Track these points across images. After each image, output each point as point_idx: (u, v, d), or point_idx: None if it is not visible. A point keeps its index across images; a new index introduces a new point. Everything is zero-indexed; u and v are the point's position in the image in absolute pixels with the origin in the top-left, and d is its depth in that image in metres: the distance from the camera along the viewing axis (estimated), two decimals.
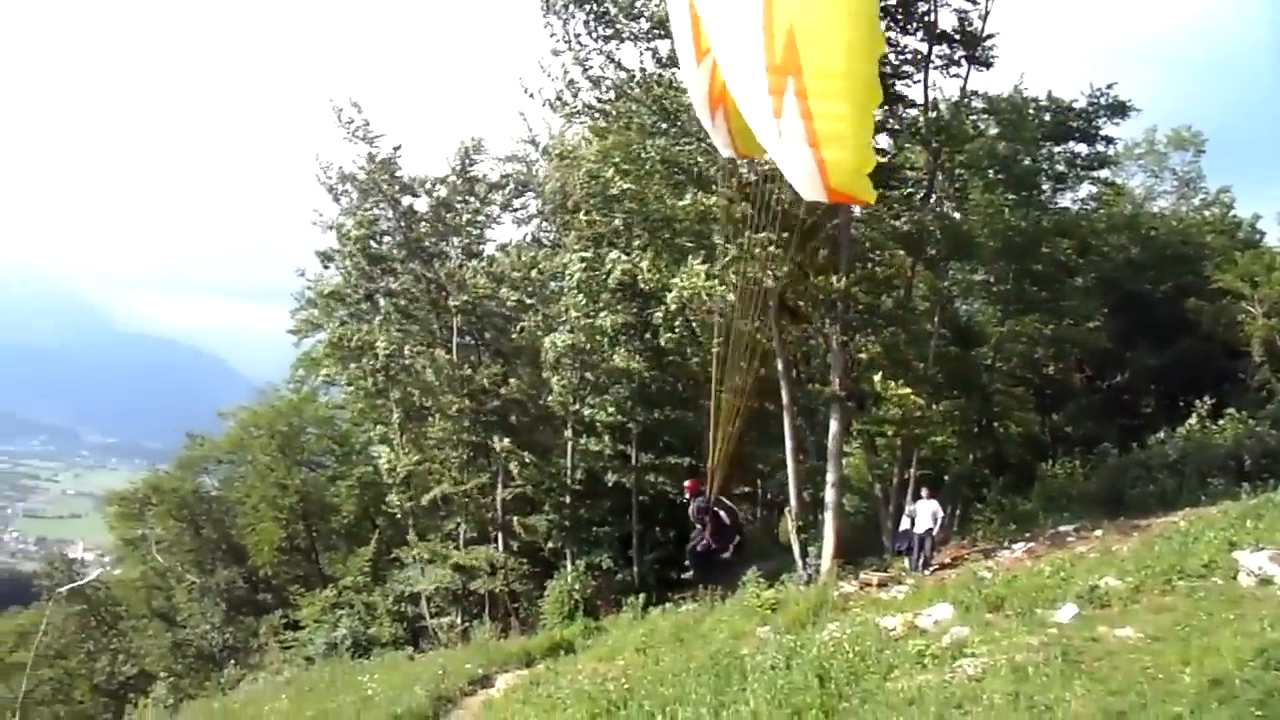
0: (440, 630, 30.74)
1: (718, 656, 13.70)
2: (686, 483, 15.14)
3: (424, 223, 32.60)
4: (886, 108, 22.40)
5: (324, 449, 44.58)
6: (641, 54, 22.83)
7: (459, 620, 30.70)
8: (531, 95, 24.52)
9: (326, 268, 35.32)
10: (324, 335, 35.02)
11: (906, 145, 24.64)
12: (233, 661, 35.94)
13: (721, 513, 15.12)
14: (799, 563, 22.46)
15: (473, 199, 33.06)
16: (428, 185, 32.56)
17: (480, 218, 33.76)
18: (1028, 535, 21.29)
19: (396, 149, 31.86)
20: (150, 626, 43.49)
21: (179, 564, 43.70)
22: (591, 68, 23.30)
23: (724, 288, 20.67)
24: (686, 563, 15.80)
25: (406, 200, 32.63)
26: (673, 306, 21.26)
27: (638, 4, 22.20)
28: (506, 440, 28.99)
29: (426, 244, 32.81)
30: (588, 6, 22.32)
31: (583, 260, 26.06)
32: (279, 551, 41.29)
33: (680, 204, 22.13)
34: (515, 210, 34.65)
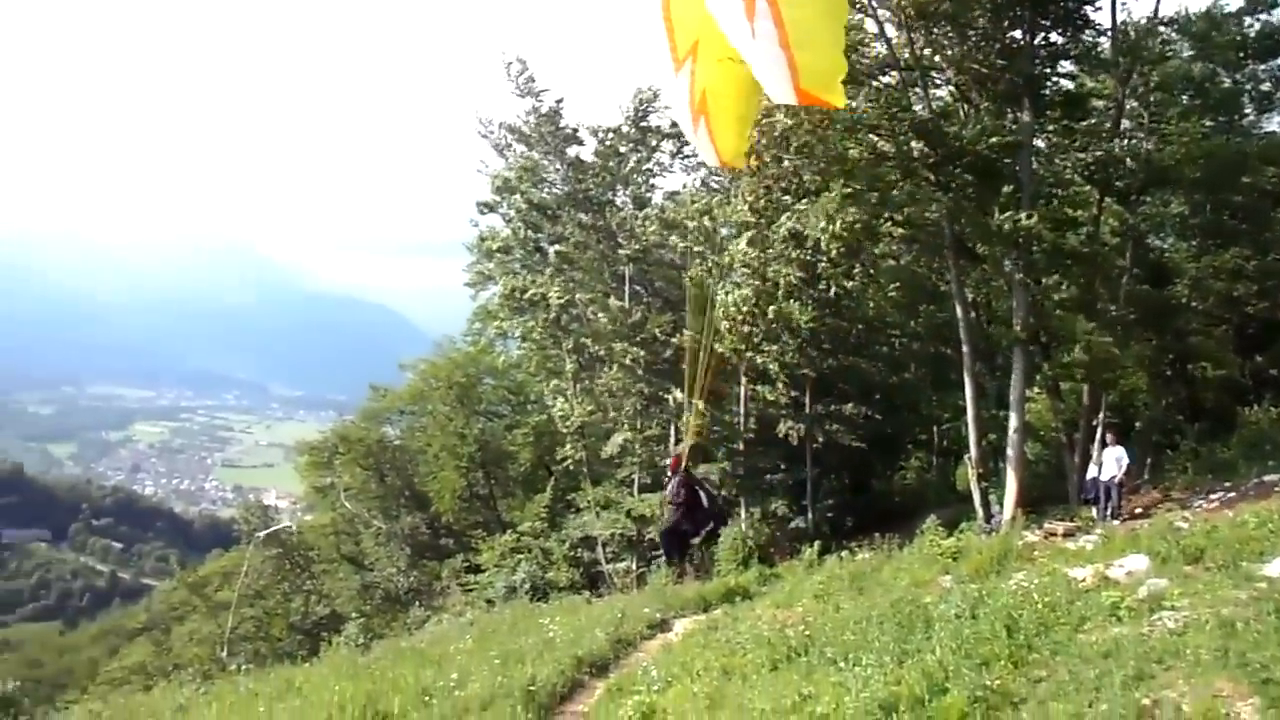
0: (616, 575, 31.53)
1: (899, 604, 13.53)
2: (668, 460, 14.23)
3: (591, 172, 32.99)
4: (1069, 33, 21.41)
5: (501, 399, 46.03)
6: None
7: (634, 566, 31.36)
8: None
9: (484, 213, 36.08)
10: (498, 288, 35.89)
11: (1093, 72, 23.41)
12: (417, 603, 37.49)
13: (701, 494, 14.34)
14: (979, 511, 22.04)
15: (642, 148, 33.19)
16: (599, 134, 32.85)
17: (650, 166, 33.88)
18: (1227, 485, 20.21)
19: (559, 102, 32.34)
20: (340, 569, 45.97)
21: (366, 510, 45.86)
22: None
23: (899, 230, 20.19)
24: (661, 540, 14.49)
25: (572, 150, 33.06)
26: (833, 251, 20.79)
27: None
28: (677, 391, 29.26)
29: (594, 193, 33.20)
30: None
31: (753, 211, 25.79)
32: (459, 498, 42.93)
33: (853, 149, 21.66)
34: (685, 158, 34.60)
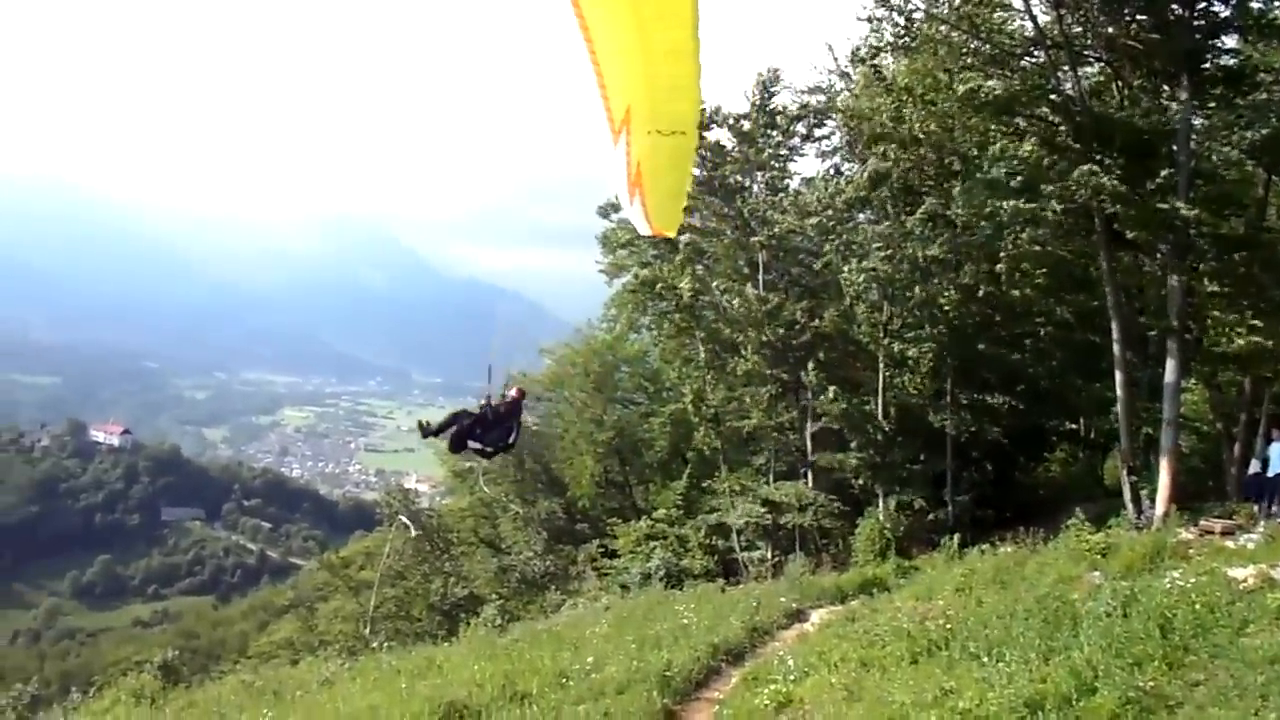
0: (750, 564, 31.73)
1: (1045, 600, 13.31)
2: (514, 390, 13.89)
3: (729, 159, 33.06)
4: (1234, 2, 20.58)
5: (636, 386, 46.54)
6: None
7: (769, 555, 31.53)
8: (831, 48, 24.27)
9: (606, 216, 36.49)
10: (631, 276, 36.36)
11: (1261, 42, 22.40)
12: (553, 587, 38.16)
13: (515, 429, 13.79)
14: (1129, 506, 21.53)
15: (774, 132, 33.11)
16: (730, 121, 32.86)
17: (783, 151, 33.80)
18: None
19: None
20: (478, 552, 47.10)
21: (504, 495, 46.83)
22: None
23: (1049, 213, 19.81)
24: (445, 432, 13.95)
25: (711, 135, 33.14)
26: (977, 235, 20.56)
27: None
28: (820, 372, 29.25)
29: (730, 180, 33.29)
30: None
31: (887, 196, 25.62)
32: (596, 484, 43.65)
33: (997, 146, 21.30)
34: (817, 141, 34.43)
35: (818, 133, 34.15)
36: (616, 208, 35.76)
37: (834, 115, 32.63)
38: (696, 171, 33.78)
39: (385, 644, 27.15)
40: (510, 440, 13.68)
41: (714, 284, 32.89)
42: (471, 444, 13.48)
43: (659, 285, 33.32)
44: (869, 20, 24.05)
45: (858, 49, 26.96)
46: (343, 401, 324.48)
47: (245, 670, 27.17)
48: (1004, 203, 20.84)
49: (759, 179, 33.70)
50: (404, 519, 46.02)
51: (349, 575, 50.83)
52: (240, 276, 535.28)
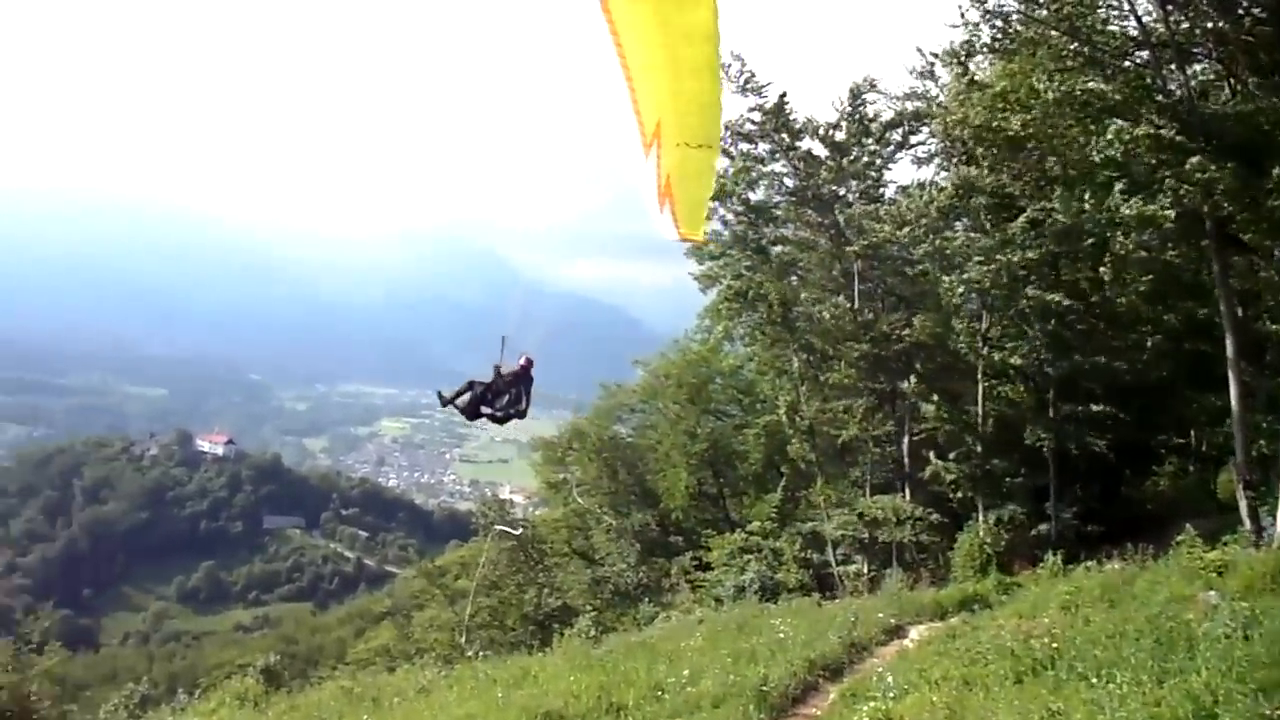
0: (846, 578, 31.42)
1: (1157, 620, 12.90)
2: (523, 359, 14.29)
3: (823, 168, 32.84)
4: None
5: (730, 398, 46.43)
6: None
7: (865, 569, 31.18)
8: (923, 51, 23.92)
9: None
10: (723, 287, 36.31)
11: None
12: (647, 599, 38.19)
13: (524, 395, 14.28)
14: (1246, 523, 20.75)
15: (868, 140, 32.81)
16: (821, 130, 32.67)
17: (877, 160, 33.47)
18: None
19: (783, 97, 32.20)
20: (571, 563, 47.43)
21: (597, 506, 47.09)
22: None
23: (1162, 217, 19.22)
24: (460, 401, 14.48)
25: (804, 145, 32.96)
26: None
27: None
28: (918, 383, 28.90)
29: (824, 190, 33.06)
30: None
31: (984, 204, 25.15)
32: (689, 496, 43.62)
33: (1103, 140, 20.78)
34: (912, 148, 33.98)
35: (913, 139, 33.70)
36: (708, 215, 35.77)
37: (928, 121, 32.21)
38: (789, 182, 33.70)
39: (480, 653, 27.50)
40: (521, 406, 14.12)
41: (804, 295, 32.66)
42: (484, 409, 14.09)
43: (751, 296, 33.24)
44: (963, 24, 23.71)
45: (951, 51, 26.58)
46: (438, 413, 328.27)
47: (344, 676, 27.70)
48: (1110, 202, 20.33)
49: (853, 188, 33.40)
50: (505, 526, 46.62)
51: (445, 584, 51.60)
52: (340, 290, 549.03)
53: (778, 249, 34.45)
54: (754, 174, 33.54)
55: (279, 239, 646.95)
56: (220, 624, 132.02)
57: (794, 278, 34.04)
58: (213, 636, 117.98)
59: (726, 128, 33.79)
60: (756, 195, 33.81)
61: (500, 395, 14.11)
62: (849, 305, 31.31)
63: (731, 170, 33.64)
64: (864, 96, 32.66)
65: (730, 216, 34.62)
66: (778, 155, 33.33)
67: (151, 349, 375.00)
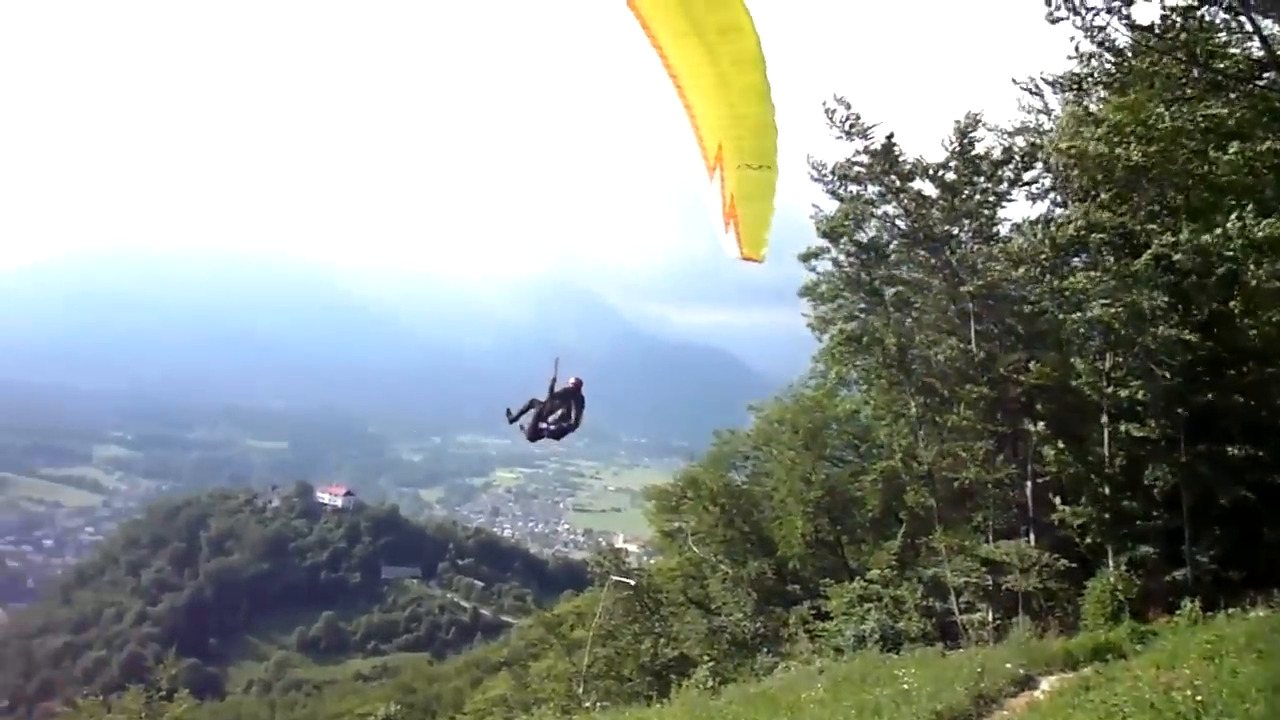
0: (971, 627, 30.76)
1: None
2: (573, 379, 15.52)
3: (935, 208, 32.67)
4: None
5: (846, 443, 46.02)
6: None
7: (990, 617, 30.52)
8: (1035, 86, 23.79)
9: (810, 260, 36.46)
10: (835, 330, 36.19)
11: None
12: (765, 649, 37.92)
13: (574, 411, 15.61)
14: None
15: (979, 179, 32.54)
16: (930, 170, 32.53)
17: (990, 197, 33.14)
18: None
19: (890, 138, 32.19)
20: (688, 613, 47.24)
21: (713, 555, 46.92)
22: (1102, 30, 22.17)
23: None
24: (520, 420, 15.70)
25: (915, 185, 32.85)
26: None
27: None
28: (1040, 425, 28.34)
29: (937, 230, 32.86)
30: None
31: (1104, 240, 24.74)
32: (806, 544, 43.23)
33: (1225, 157, 20.36)
34: (1026, 185, 33.54)
35: (1025, 175, 33.28)
36: (818, 254, 35.90)
37: (1041, 156, 31.78)
38: (901, 223, 33.61)
39: (598, 704, 27.65)
40: (573, 421, 15.49)
41: (919, 337, 32.39)
42: (542, 426, 15.40)
43: (866, 339, 33.11)
44: (1077, 55, 23.54)
45: (1062, 80, 26.34)
46: (551, 463, 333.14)
47: None
48: (1235, 225, 19.83)
49: (966, 227, 33.12)
50: (621, 577, 46.81)
51: (561, 634, 51.95)
52: (454, 341, 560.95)
53: (891, 290, 34.26)
54: (865, 215, 33.55)
55: (394, 290, 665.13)
56: (340, 673, 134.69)
57: (909, 319, 33.75)
58: (333, 686, 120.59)
59: (833, 171, 33.98)
60: (868, 235, 33.79)
61: (554, 412, 15.46)
62: (965, 347, 30.93)
63: (840, 213, 33.71)
64: (972, 134, 32.44)
65: (842, 258, 34.61)
66: (888, 197, 33.28)
67: (273, 403, 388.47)
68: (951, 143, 32.35)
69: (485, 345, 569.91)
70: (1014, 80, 30.66)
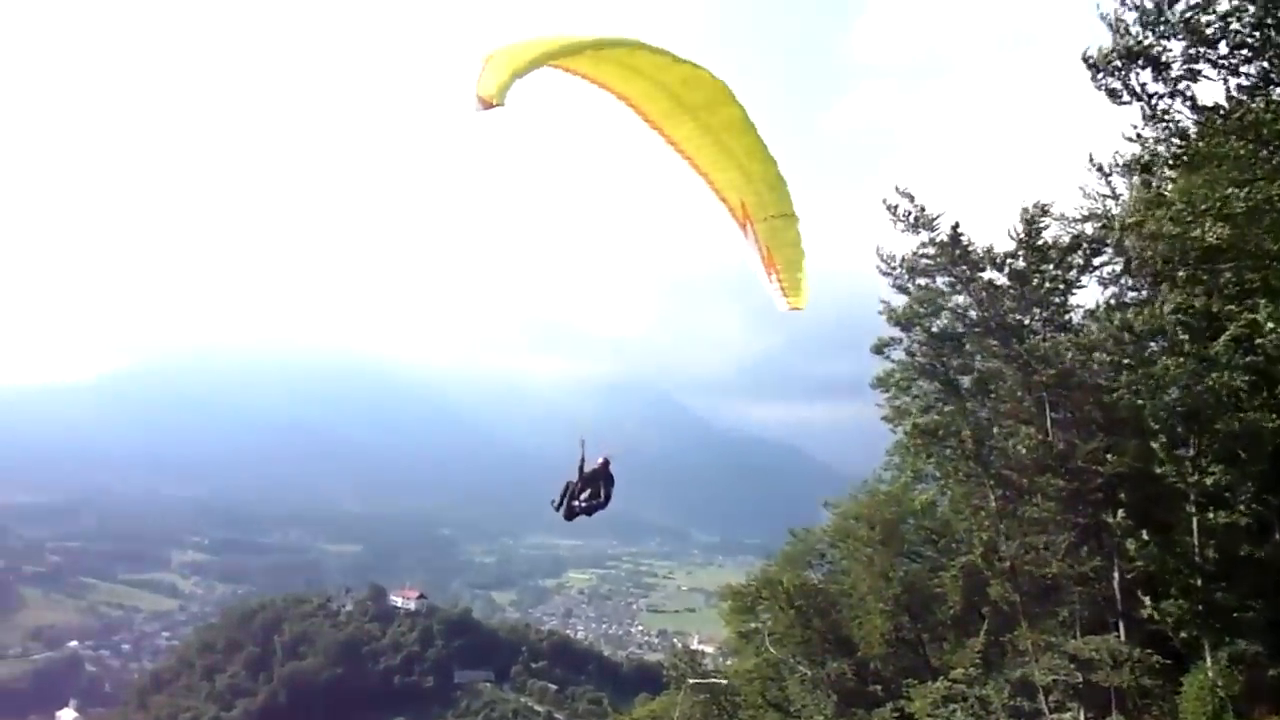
0: None
1: None
2: (601, 459, 16.32)
3: (1006, 297, 32.61)
4: None
5: (923, 538, 45.35)
6: (1225, 81, 21.46)
7: (1082, 717, 29.62)
8: (1102, 170, 23.96)
9: (882, 353, 36.46)
10: (910, 423, 35.99)
11: None
12: None
13: (604, 489, 16.34)
14: None
15: (1048, 266, 32.47)
16: (998, 259, 32.57)
17: (1060, 285, 33.02)
18: None
19: (956, 228, 32.33)
20: (766, 716, 46.47)
21: (791, 655, 46.23)
22: (1166, 113, 22.30)
23: None
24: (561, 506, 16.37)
25: (985, 275, 32.87)
26: None
27: (1208, 28, 20.90)
28: (1123, 515, 27.76)
29: (1009, 319, 32.75)
30: (1144, 58, 21.51)
31: (1181, 322, 24.50)
32: (886, 643, 42.41)
33: None
34: (1095, 269, 33.36)
35: (1095, 260, 33.14)
36: (890, 344, 35.95)
37: (1111, 241, 31.61)
38: (972, 314, 33.57)
39: None
40: (602, 499, 16.34)
41: (996, 428, 32.04)
42: (575, 505, 16.19)
43: (941, 431, 32.88)
44: (1138, 139, 23.62)
45: (1130, 163, 26.37)
46: (624, 563, 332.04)
47: None
48: None
49: (1038, 315, 32.97)
50: (698, 679, 46.32)
51: None
52: (525, 441, 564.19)
53: (966, 380, 34.07)
54: (936, 306, 33.59)
55: (464, 389, 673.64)
56: None
57: (985, 409, 33.44)
58: None
59: (901, 264, 34.20)
60: (939, 324, 33.78)
61: (584, 490, 16.26)
62: (1042, 438, 30.54)
63: (911, 304, 33.78)
64: (1039, 223, 32.49)
65: (915, 348, 34.58)
66: (958, 287, 33.31)
67: (347, 506, 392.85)
68: (1019, 232, 32.42)
69: (554, 444, 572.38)
70: (1089, 159, 30.67)
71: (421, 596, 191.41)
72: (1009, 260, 32.47)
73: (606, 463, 16.49)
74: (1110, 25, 21.91)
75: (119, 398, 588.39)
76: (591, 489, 16.32)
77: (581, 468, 16.26)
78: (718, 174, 12.64)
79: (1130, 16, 21.46)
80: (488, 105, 9.95)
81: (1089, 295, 40.96)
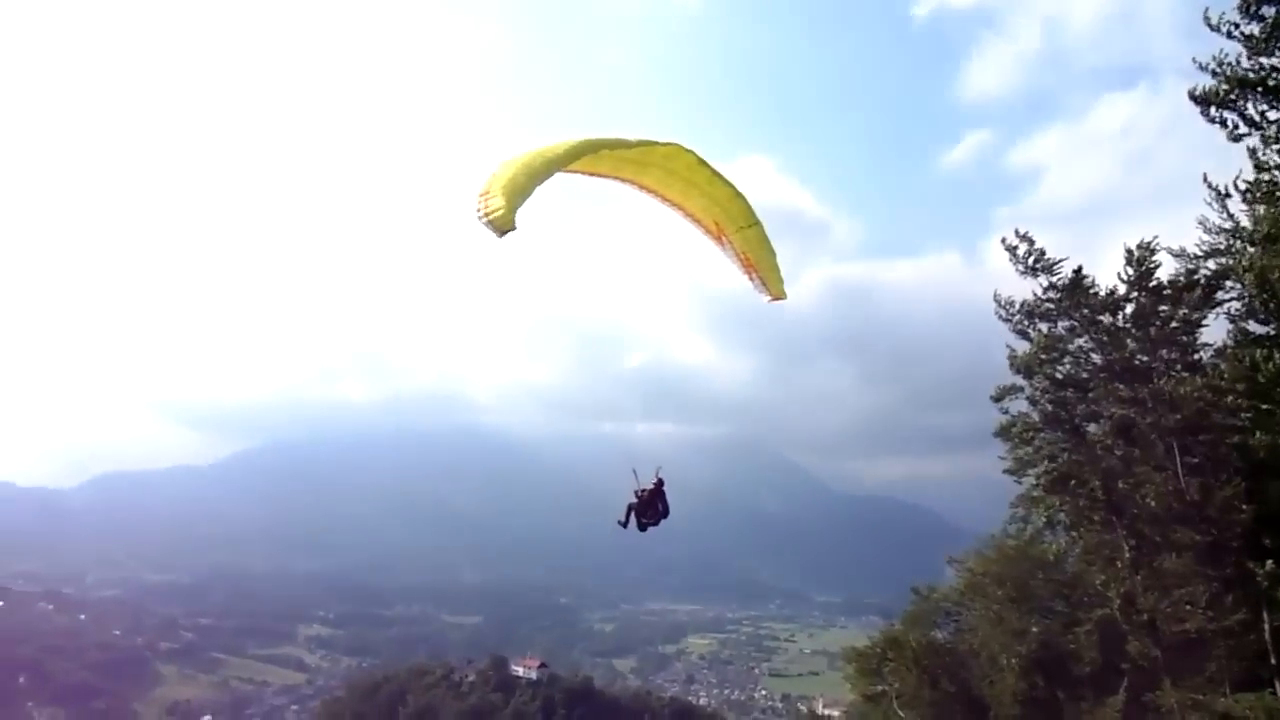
0: None
1: None
2: (653, 481, 19.06)
3: (1130, 339, 31.64)
4: None
5: (1054, 592, 43.86)
6: None
7: None
8: (1220, 192, 23.36)
9: (1001, 402, 35.60)
10: (1036, 473, 35.02)
11: None
12: None
13: (660, 503, 19.18)
14: None
15: (1165, 306, 31.41)
16: (1115, 302, 31.70)
17: (1179, 324, 31.87)
18: None
19: (1078, 271, 31.61)
20: None
21: (919, 718, 45.07)
22: None
23: None
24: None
25: (1105, 319, 31.99)
26: None
27: None
28: (1270, 563, 26.43)
29: (1135, 361, 31.72)
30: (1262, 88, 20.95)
31: None
32: (1019, 702, 41.00)
33: None
34: (1219, 305, 32.08)
35: (1219, 295, 31.89)
36: (1011, 393, 35.12)
37: (1236, 276, 30.41)
38: (1096, 359, 32.65)
39: None
40: (662, 511, 19.23)
41: (1126, 475, 30.90)
42: (644, 521, 18.96)
43: (1071, 480, 31.87)
44: (1257, 168, 22.86)
45: (1247, 191, 25.44)
46: (744, 626, 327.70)
47: None
48: None
49: (1164, 356, 31.86)
50: None
51: None
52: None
53: (1093, 426, 33.01)
54: (1059, 351, 32.78)
55: (576, 458, 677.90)
56: None
57: (1115, 456, 32.27)
58: None
59: (1021, 309, 33.56)
60: (1063, 371, 32.90)
61: (644, 510, 18.95)
62: (1173, 486, 29.31)
63: (1033, 349, 33.02)
64: (1149, 262, 31.54)
65: (1038, 395, 33.69)
66: (1079, 331, 32.47)
67: (468, 577, 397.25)
68: (1128, 274, 31.58)
69: (675, 510, 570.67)
70: (1208, 188, 29.74)
71: (543, 665, 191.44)
72: (1125, 302, 31.60)
73: (661, 482, 19.18)
74: (1210, 70, 21.59)
75: (245, 477, 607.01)
76: (650, 507, 19.01)
77: (639, 492, 18.89)
78: (689, 203, 15.59)
79: (1236, 49, 21.05)
80: (503, 232, 12.28)
81: (1218, 329, 39.39)
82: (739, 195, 15.36)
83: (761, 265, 15.93)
